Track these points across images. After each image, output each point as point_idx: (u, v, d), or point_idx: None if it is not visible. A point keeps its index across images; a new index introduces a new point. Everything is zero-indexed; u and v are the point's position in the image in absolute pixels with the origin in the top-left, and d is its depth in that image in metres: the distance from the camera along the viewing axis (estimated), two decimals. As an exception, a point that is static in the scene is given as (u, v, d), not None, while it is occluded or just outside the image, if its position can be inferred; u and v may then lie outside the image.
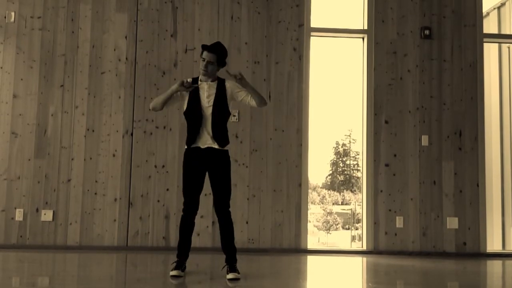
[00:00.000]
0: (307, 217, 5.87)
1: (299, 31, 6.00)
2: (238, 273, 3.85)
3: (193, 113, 3.96)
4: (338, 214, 34.96)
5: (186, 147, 4.01)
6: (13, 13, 5.86)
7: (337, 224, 34.06)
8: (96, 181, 5.71)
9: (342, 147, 45.05)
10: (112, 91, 5.83)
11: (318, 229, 32.91)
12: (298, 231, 5.78)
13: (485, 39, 6.19)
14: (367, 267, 5.01)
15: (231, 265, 3.89)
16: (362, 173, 6.09)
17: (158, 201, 5.72)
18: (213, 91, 3.96)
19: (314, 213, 34.46)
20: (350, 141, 44.87)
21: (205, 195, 4.33)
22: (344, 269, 4.92)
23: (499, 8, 7.21)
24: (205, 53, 3.93)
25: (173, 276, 3.86)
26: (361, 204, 6.21)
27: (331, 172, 44.38)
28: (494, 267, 5.22)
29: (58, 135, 5.75)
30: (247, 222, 5.73)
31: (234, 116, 5.77)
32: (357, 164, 42.87)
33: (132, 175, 5.74)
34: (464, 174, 5.94)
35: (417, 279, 4.33)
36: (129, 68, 5.87)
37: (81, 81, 5.83)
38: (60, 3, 5.90)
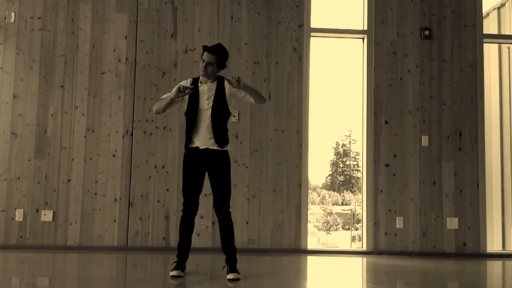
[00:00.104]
0: (307, 218, 5.87)
1: (299, 31, 6.00)
2: (238, 273, 3.85)
3: (194, 114, 3.96)
4: (338, 214, 34.97)
5: (185, 148, 4.01)
6: (13, 14, 5.86)
7: (337, 225, 34.07)
8: (96, 182, 5.71)
9: (342, 147, 45.05)
10: (112, 91, 5.83)
11: (318, 229, 32.91)
12: (298, 232, 5.78)
13: (485, 40, 6.19)
14: (367, 267, 5.01)
15: (231, 265, 3.89)
16: (362, 173, 6.09)
17: (158, 201, 5.72)
18: (213, 92, 3.96)
19: (314, 213, 34.46)
20: (350, 142, 44.87)
21: (205, 195, 4.33)
22: (344, 270, 4.92)
23: (499, 8, 7.21)
24: (205, 54, 3.93)
25: (173, 276, 3.86)
26: (361, 204, 6.21)
27: (331, 172, 44.38)
28: (494, 267, 5.22)
29: (58, 136, 5.75)
30: (247, 223, 5.73)
31: (234, 116, 5.77)
32: (357, 165, 42.86)
33: (132, 175, 5.74)
34: (464, 174, 5.94)
35: (417, 280, 4.33)
36: (129, 68, 5.87)
37: (81, 81, 5.83)
38: (60, 3, 5.91)
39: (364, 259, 5.45)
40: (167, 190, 5.73)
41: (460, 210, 5.89)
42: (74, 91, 5.82)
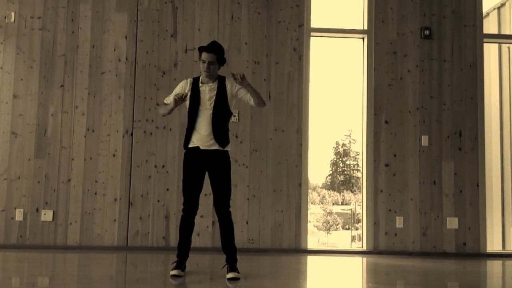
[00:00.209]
0: (307, 217, 5.87)
1: (299, 31, 6.00)
2: (238, 272, 3.85)
3: (195, 115, 3.96)
4: (338, 214, 35.00)
5: (185, 147, 4.01)
6: (13, 13, 5.86)
7: (337, 224, 34.09)
8: (96, 181, 5.71)
9: (342, 147, 45.10)
10: (112, 91, 5.83)
11: (318, 229, 32.94)
12: (298, 231, 5.78)
13: (485, 39, 6.19)
14: (367, 267, 5.01)
15: (231, 265, 3.89)
16: (362, 173, 6.09)
17: (158, 201, 5.73)
18: (214, 92, 3.96)
19: (314, 213, 34.49)
20: (350, 141, 44.92)
21: (205, 195, 4.33)
22: (344, 269, 4.92)
23: (499, 8, 7.21)
24: (204, 54, 3.92)
25: (173, 276, 3.86)
26: (361, 204, 6.21)
27: (331, 172, 44.42)
28: (494, 267, 5.22)
29: (58, 135, 5.75)
30: (247, 222, 5.73)
31: (234, 116, 5.77)
32: (357, 164, 42.91)
33: (132, 175, 5.74)
34: (464, 174, 5.94)
35: (417, 279, 4.32)
36: (129, 68, 5.87)
37: (81, 81, 5.83)
38: (60, 3, 5.91)
39: (364, 259, 5.45)
40: (167, 189, 5.74)
41: (460, 210, 5.89)
42: (74, 91, 5.82)
